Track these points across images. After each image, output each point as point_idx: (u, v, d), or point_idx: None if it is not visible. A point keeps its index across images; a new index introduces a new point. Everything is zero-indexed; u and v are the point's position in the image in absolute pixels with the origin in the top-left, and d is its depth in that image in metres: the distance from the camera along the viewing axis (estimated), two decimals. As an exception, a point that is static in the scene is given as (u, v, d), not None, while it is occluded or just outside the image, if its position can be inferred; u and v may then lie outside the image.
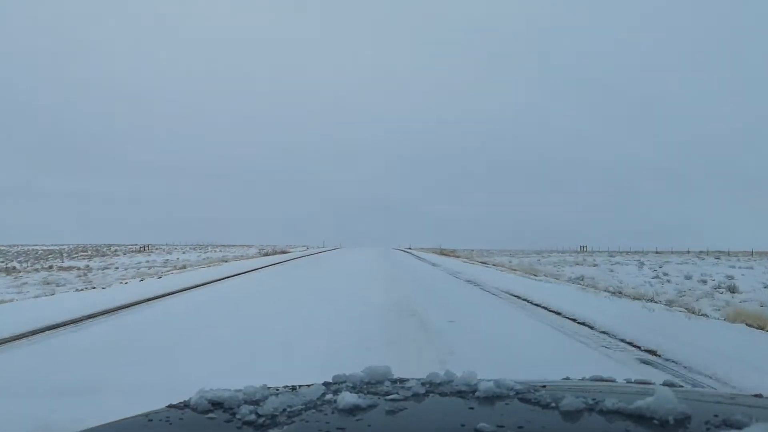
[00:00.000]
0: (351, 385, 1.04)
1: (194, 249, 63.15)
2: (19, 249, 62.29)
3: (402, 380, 1.05)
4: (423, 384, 1.01)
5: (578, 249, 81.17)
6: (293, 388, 1.02)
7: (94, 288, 13.75)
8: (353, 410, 0.86)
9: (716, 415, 0.86)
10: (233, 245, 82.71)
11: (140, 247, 60.96)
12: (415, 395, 0.95)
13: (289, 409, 0.90)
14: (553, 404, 0.89)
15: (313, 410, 0.89)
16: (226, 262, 25.34)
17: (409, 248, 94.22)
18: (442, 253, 52.89)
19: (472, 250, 69.09)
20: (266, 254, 38.18)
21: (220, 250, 52.88)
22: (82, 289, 13.69)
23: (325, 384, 1.04)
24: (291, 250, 55.05)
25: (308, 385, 1.02)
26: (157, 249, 63.27)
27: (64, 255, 42.01)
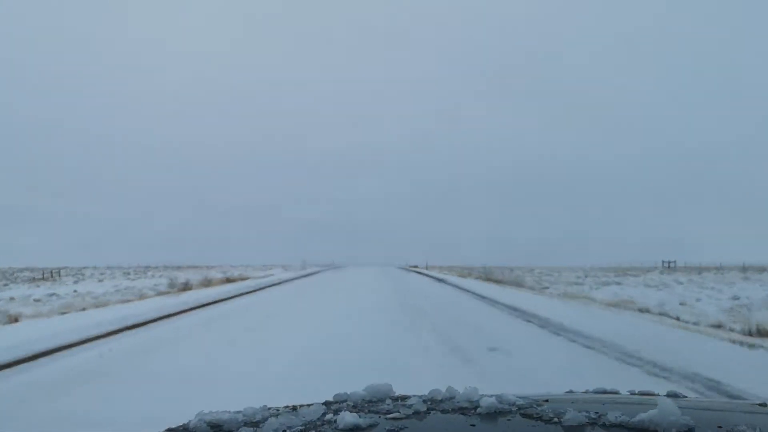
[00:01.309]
0: (352, 404, 1.03)
1: (132, 274, 54.36)
2: None
3: (403, 398, 1.05)
4: (424, 401, 1.02)
5: (662, 266, 68.20)
6: (293, 408, 1.00)
7: None
8: (354, 430, 0.87)
9: (720, 426, 0.88)
10: (199, 266, 76.80)
11: (45, 274, 51.94)
12: (417, 413, 0.96)
13: (289, 431, 0.89)
14: (556, 419, 0.90)
15: (313, 431, 0.88)
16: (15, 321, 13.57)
17: (417, 267, 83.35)
18: (489, 279, 35.11)
19: (511, 269, 52.49)
20: (184, 289, 25.43)
21: (161, 276, 43.86)
22: None
23: (326, 403, 1.03)
24: (250, 276, 42.46)
25: (308, 405, 1.00)
26: (87, 273, 55.08)
27: None
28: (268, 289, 28.27)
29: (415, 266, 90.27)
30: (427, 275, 46.33)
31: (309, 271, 62.08)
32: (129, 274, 55.79)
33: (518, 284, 29.68)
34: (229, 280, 34.77)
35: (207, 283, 30.56)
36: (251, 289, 27.01)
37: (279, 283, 33.86)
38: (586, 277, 40.82)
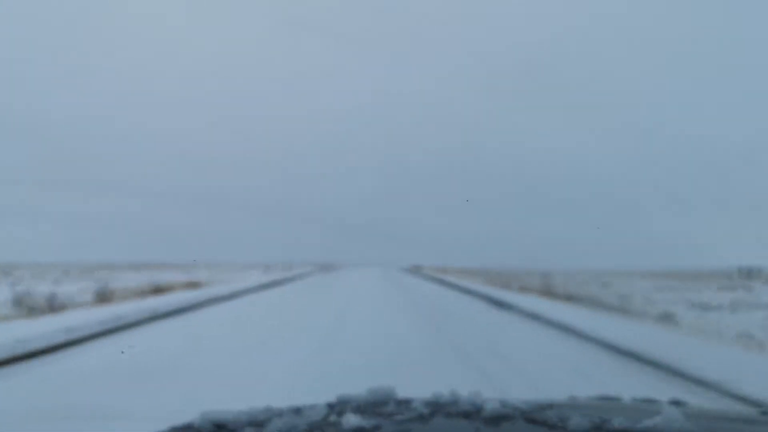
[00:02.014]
0: (355, 405, 1.03)
1: (62, 274, 47.28)
2: None
3: (407, 401, 1.05)
4: (428, 404, 1.02)
5: (739, 274, 55.53)
6: (297, 409, 1.01)
7: None
8: None
9: None
10: (170, 266, 69.15)
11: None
12: (420, 416, 0.96)
13: (292, 431, 0.90)
14: (560, 424, 0.91)
15: None
16: None
17: (421, 267, 72.43)
18: (550, 293, 25.60)
19: (547, 275, 35.55)
20: (40, 311, 16.08)
21: (90, 279, 34.58)
22: None
23: (329, 405, 1.03)
24: (207, 282, 33.17)
25: (312, 406, 1.01)
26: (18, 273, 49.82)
27: None
28: (151, 325, 15.29)
29: (418, 266, 79.66)
30: (458, 287, 32.18)
31: (292, 273, 52.71)
32: (69, 273, 50.23)
33: (599, 304, 20.56)
34: (157, 291, 24.25)
35: (105, 298, 20.69)
36: (128, 323, 14.77)
37: (206, 304, 21.50)
38: (654, 287, 30.76)
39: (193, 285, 30.09)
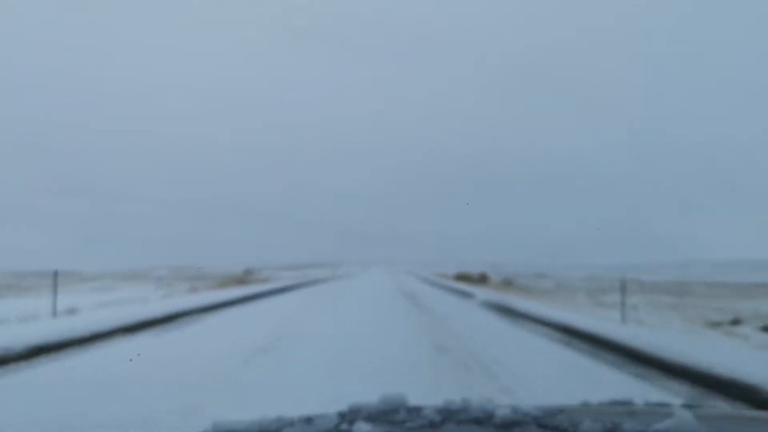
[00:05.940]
0: (366, 414, 1.04)
1: None
2: None
3: (418, 408, 1.07)
4: (439, 412, 1.03)
5: None
6: (308, 419, 1.02)
7: None
8: None
9: None
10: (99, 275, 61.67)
11: None
12: (432, 424, 0.97)
13: (304, 440, 0.91)
14: (572, 429, 0.92)
15: None
16: None
17: (468, 277, 48.35)
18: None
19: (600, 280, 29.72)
20: None
21: None
22: None
23: (340, 414, 1.05)
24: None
25: (323, 415, 1.02)
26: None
27: None
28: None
29: (463, 277, 47.35)
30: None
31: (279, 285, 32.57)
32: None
33: None
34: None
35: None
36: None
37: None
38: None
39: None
